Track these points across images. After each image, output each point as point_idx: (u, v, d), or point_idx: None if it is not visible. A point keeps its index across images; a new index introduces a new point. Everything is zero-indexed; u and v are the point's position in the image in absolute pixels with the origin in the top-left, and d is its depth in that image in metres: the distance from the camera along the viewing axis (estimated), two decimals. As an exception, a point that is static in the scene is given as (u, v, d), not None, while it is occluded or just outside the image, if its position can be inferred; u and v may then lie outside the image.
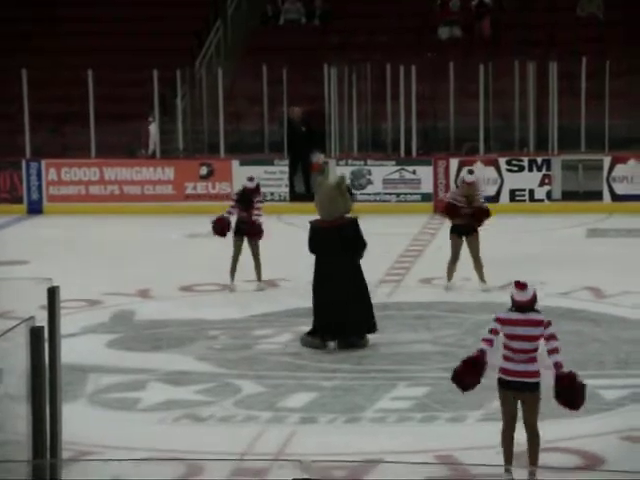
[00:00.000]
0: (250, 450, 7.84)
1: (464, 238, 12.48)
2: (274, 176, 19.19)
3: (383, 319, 11.29)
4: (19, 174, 19.30)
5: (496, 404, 7.38)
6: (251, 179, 13.29)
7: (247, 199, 12.81)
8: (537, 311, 7.10)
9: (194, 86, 20.87)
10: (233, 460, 7.55)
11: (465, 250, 12.50)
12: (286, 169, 19.18)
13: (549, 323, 7.08)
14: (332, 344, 10.24)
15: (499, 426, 7.21)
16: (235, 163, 19.08)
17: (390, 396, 8.97)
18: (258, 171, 18.98)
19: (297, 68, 19.68)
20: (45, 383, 6.30)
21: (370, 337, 10.43)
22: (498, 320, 7.09)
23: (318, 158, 18.94)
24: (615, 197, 18.69)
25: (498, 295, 11.62)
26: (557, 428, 7.87)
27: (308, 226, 10.51)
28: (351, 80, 20.04)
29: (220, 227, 12.78)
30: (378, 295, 12.42)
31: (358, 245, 10.26)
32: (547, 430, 7.52)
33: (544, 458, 7.30)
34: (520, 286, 7.05)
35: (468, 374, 7.02)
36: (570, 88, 19.26)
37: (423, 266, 13.99)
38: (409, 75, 19.17)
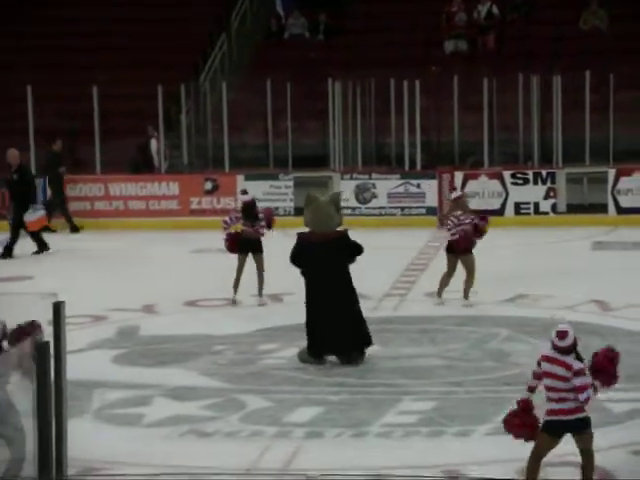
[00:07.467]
0: (256, 465, 7.81)
1: (459, 257, 12.43)
2: (279, 190, 19.21)
3: (388, 333, 11.26)
4: (24, 190, 19.29)
5: (502, 417, 7.32)
6: (245, 192, 13.29)
7: (251, 213, 12.79)
8: (580, 358, 6.76)
9: (199, 101, 20.91)
10: (239, 475, 7.52)
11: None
12: (291, 184, 19.17)
13: (581, 372, 6.70)
14: (327, 359, 10.21)
15: (506, 440, 7.13)
16: (240, 178, 19.10)
17: (396, 410, 8.94)
18: (263, 186, 19.03)
19: (301, 83, 19.72)
20: (51, 399, 6.29)
21: (375, 350, 10.41)
22: (541, 359, 6.83)
23: (37, 217, 16.34)
24: (620, 210, 18.68)
25: (504, 309, 11.59)
26: (566, 443, 7.83)
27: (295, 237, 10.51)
28: (355, 94, 20.07)
29: (233, 245, 12.70)
30: (383, 309, 12.41)
31: (357, 251, 10.32)
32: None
33: (554, 473, 7.26)
34: (561, 335, 6.75)
35: (520, 427, 6.86)
36: (574, 101, 19.26)
37: (428, 280, 13.96)
38: (413, 89, 19.18)
